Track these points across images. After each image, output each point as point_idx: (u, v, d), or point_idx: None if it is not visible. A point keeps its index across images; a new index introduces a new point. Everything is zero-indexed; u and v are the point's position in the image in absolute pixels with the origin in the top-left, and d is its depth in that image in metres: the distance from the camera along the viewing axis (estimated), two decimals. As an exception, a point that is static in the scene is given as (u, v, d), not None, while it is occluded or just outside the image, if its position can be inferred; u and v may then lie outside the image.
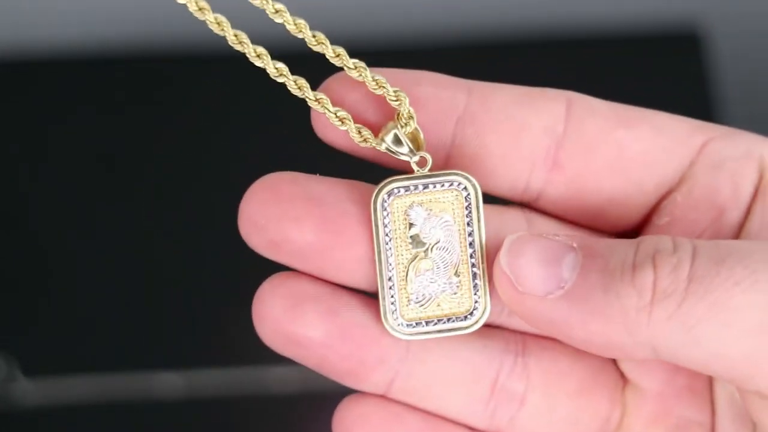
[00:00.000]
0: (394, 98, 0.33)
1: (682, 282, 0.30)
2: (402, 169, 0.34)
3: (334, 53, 0.33)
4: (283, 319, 0.33)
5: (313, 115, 0.33)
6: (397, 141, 0.33)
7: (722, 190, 0.33)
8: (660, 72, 0.76)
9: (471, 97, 0.33)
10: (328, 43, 0.33)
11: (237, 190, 0.74)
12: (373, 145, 0.33)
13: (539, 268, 0.31)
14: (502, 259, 0.32)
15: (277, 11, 0.32)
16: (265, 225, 0.33)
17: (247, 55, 0.33)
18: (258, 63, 0.33)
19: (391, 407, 0.34)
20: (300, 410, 0.65)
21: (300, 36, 0.33)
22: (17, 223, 0.70)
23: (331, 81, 0.34)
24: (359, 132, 0.33)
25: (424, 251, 0.33)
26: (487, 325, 0.34)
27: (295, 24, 0.33)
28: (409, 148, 0.33)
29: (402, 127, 0.33)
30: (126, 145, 0.73)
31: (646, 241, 0.31)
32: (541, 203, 0.35)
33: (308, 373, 0.66)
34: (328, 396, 0.66)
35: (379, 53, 0.76)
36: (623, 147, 0.34)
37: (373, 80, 0.33)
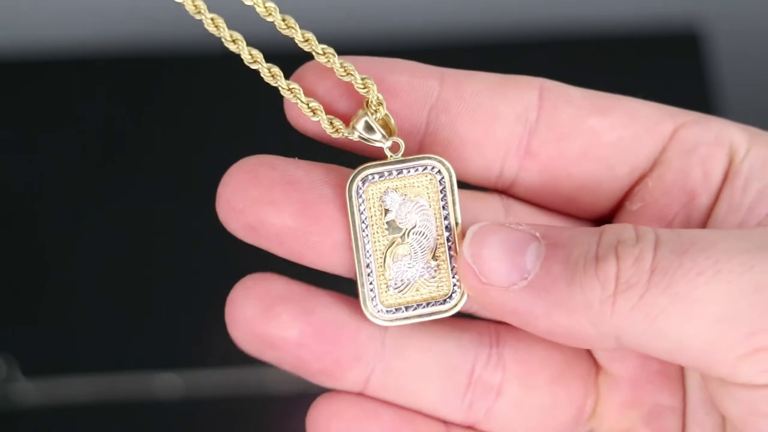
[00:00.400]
0: (362, 86, 0.33)
1: (644, 273, 0.30)
2: (377, 157, 0.33)
3: (303, 38, 0.33)
4: (257, 321, 0.33)
5: (285, 104, 0.33)
6: (369, 128, 0.33)
7: (693, 174, 0.33)
8: (660, 72, 0.76)
9: (444, 84, 0.33)
10: (297, 27, 0.33)
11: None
12: (345, 134, 0.33)
13: (502, 259, 0.31)
14: (465, 250, 0.32)
15: None
16: (242, 209, 0.33)
17: (223, 40, 0.32)
18: (232, 48, 0.33)
19: (365, 403, 0.34)
20: (299, 410, 0.65)
21: (270, 20, 0.33)
22: (17, 223, 0.70)
23: (304, 69, 0.34)
24: (331, 123, 0.33)
25: (401, 236, 0.33)
26: (461, 315, 0.34)
27: (266, 7, 0.33)
28: (381, 134, 0.33)
29: (372, 113, 0.33)
30: (126, 145, 0.73)
31: (609, 231, 0.31)
32: (515, 190, 0.35)
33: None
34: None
35: (378, 53, 0.76)
36: (596, 134, 0.34)
37: (342, 67, 0.33)
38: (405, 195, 0.33)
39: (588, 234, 0.31)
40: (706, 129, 0.34)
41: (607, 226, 0.31)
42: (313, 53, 0.33)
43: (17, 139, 0.73)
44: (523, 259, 0.31)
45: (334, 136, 0.33)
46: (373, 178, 0.33)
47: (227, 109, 0.72)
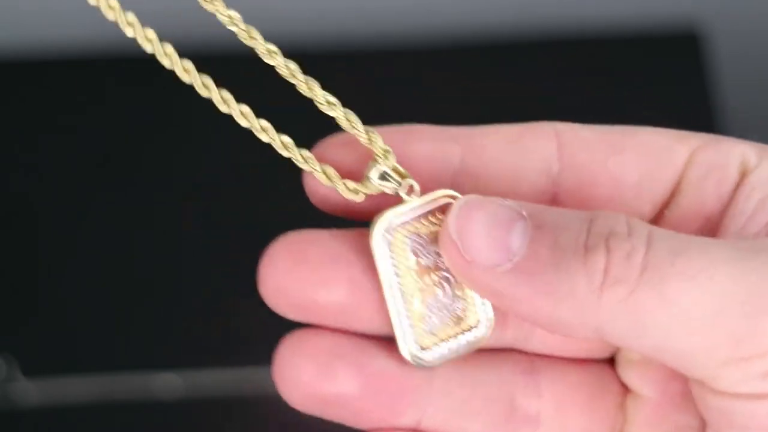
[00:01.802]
0: (366, 138, 0.32)
1: (635, 269, 0.29)
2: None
3: (267, 50, 0.33)
4: (313, 381, 0.33)
5: (304, 177, 0.33)
6: (383, 177, 0.32)
7: (708, 200, 0.33)
8: (660, 72, 0.76)
9: (462, 147, 0.33)
10: (260, 38, 0.32)
11: (237, 191, 0.74)
12: (361, 190, 0.32)
13: (487, 236, 0.30)
14: (450, 224, 0.31)
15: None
16: (291, 290, 0.32)
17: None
18: (227, 110, 0.33)
19: None
20: (299, 410, 0.65)
21: (234, 29, 0.32)
22: (17, 223, 0.70)
23: (324, 144, 0.33)
24: (344, 185, 0.32)
25: (429, 276, 0.33)
26: (496, 350, 0.34)
27: (229, 16, 0.32)
28: (396, 179, 0.32)
29: (382, 163, 0.32)
30: (126, 145, 0.73)
31: (600, 219, 0.30)
32: None
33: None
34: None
35: (378, 53, 0.76)
36: (617, 178, 0.33)
37: (346, 119, 0.32)
38: (427, 234, 0.33)
39: (578, 219, 0.30)
40: (717, 151, 0.34)
41: (598, 213, 0.31)
42: (295, 81, 0.33)
43: (17, 139, 0.73)
44: (509, 238, 0.30)
45: (349, 196, 0.32)
46: (395, 223, 0.32)
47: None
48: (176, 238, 0.70)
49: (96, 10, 0.31)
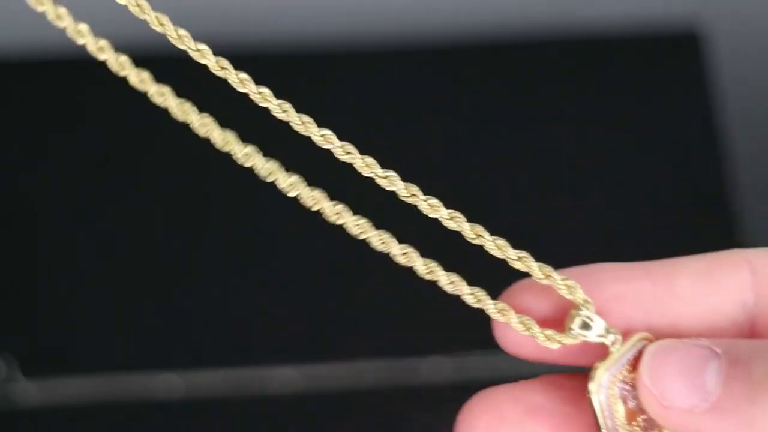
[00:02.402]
0: (565, 288, 0.32)
1: None
2: (577, 365, 0.33)
3: (218, 66, 0.32)
4: None
5: (494, 324, 0.33)
6: (586, 326, 0.32)
7: None
8: (660, 72, 0.76)
9: (654, 284, 0.33)
10: (210, 54, 0.32)
11: (237, 191, 0.74)
12: (561, 340, 0.32)
13: (682, 380, 0.30)
14: (644, 374, 0.31)
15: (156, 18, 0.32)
16: None
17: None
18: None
19: None
20: (300, 410, 0.65)
21: (182, 47, 0.32)
22: (17, 223, 0.70)
23: (513, 290, 0.33)
24: (543, 333, 0.32)
25: (636, 420, 0.33)
26: None
27: (178, 34, 0.32)
28: (603, 328, 0.32)
29: (582, 313, 0.32)
30: (126, 144, 0.73)
31: None
32: None
33: (308, 373, 0.66)
34: (328, 396, 0.66)
35: (379, 53, 0.76)
36: None
37: (540, 270, 0.32)
38: (630, 379, 0.33)
39: None
40: None
41: None
42: (271, 110, 0.32)
43: (17, 139, 0.73)
44: (704, 380, 0.30)
45: (547, 344, 0.32)
46: (610, 377, 0.32)
47: (229, 109, 0.72)
48: (176, 237, 0.70)
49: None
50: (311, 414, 0.66)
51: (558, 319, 0.33)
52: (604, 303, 0.33)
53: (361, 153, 0.32)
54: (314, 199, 0.32)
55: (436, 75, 0.76)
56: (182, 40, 0.30)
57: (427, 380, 0.66)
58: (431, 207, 0.32)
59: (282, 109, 0.31)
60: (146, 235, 0.70)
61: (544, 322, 0.32)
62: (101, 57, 0.31)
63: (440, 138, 0.73)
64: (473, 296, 0.32)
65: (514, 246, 0.32)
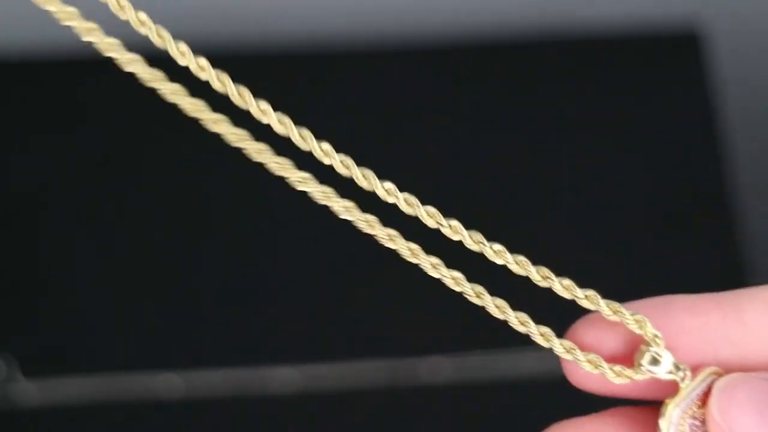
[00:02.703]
0: (634, 323, 0.32)
1: None
2: (644, 399, 0.33)
3: (220, 80, 0.32)
4: None
5: (562, 362, 0.32)
6: (655, 361, 0.32)
7: None
8: (660, 72, 0.76)
9: (723, 316, 0.33)
10: (209, 66, 0.32)
11: (237, 191, 0.74)
12: (631, 376, 0.32)
13: (751, 415, 0.30)
14: (713, 409, 0.31)
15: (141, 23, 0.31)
16: None
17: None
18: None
19: None
20: (300, 410, 0.65)
21: (163, 47, 0.32)
22: (17, 223, 0.70)
23: (578, 326, 0.33)
24: (612, 369, 0.32)
25: None
26: None
27: (159, 35, 0.32)
28: (673, 363, 0.33)
29: (652, 348, 0.32)
30: (126, 144, 0.73)
31: None
32: None
33: (308, 373, 0.66)
34: (328, 396, 0.66)
35: (378, 53, 0.76)
36: None
37: (608, 308, 0.32)
38: (700, 415, 0.33)
39: None
40: None
41: None
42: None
43: (17, 139, 0.73)
44: None
45: (617, 381, 0.32)
46: (681, 413, 0.32)
47: (230, 109, 0.72)
48: (176, 237, 0.70)
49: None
50: (311, 414, 0.66)
51: (626, 352, 0.33)
52: (674, 336, 0.32)
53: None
54: (367, 222, 0.32)
55: (436, 75, 0.76)
56: (165, 42, 0.30)
57: (427, 380, 0.66)
58: (496, 253, 0.32)
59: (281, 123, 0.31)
60: (146, 235, 0.70)
61: (612, 356, 0.32)
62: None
63: (440, 138, 0.73)
64: (543, 337, 0.32)
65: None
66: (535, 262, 0.32)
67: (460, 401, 0.66)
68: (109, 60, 0.31)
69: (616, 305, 0.32)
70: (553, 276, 0.32)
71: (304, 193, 0.32)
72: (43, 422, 0.65)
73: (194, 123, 0.78)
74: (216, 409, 0.65)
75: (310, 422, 0.66)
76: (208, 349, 0.67)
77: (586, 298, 0.32)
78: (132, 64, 0.30)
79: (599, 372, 0.32)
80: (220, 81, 0.30)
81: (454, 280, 0.32)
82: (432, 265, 0.32)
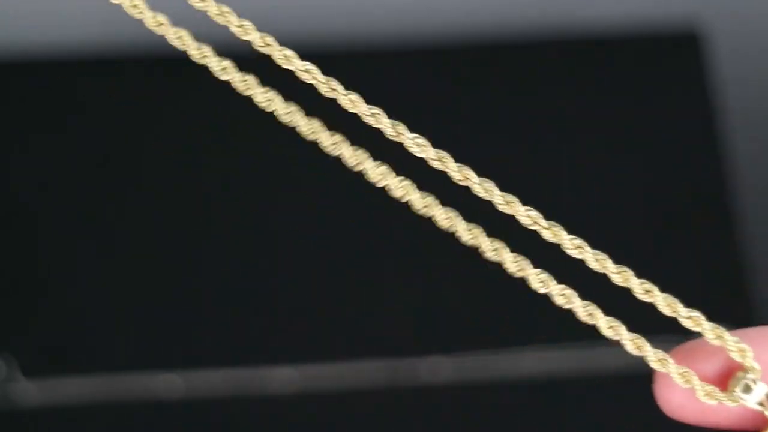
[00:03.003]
0: (737, 351, 0.32)
1: None
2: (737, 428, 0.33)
3: (329, 85, 0.32)
4: None
5: (655, 376, 0.32)
6: (747, 388, 0.32)
7: None
8: (660, 72, 0.76)
9: None
10: (276, 44, 0.31)
11: (237, 191, 0.74)
12: (722, 400, 0.32)
13: None
14: None
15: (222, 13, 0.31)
16: None
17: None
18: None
19: None
20: (300, 410, 0.65)
21: (247, 38, 0.32)
22: (17, 223, 0.70)
23: (682, 350, 0.33)
24: (703, 388, 0.32)
25: None
26: None
27: (242, 26, 0.32)
28: (766, 395, 0.32)
29: (750, 375, 0.32)
30: (126, 145, 0.73)
31: None
32: None
33: (308, 373, 0.66)
34: (328, 396, 0.66)
35: (378, 53, 0.76)
36: None
37: (712, 332, 0.32)
38: None
39: None
40: None
41: None
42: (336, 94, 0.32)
43: (17, 139, 0.73)
44: None
45: (707, 400, 0.32)
46: None
47: (230, 109, 0.72)
48: (176, 237, 0.70)
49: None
50: (311, 414, 0.66)
51: (718, 378, 0.32)
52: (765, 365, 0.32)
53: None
54: (426, 203, 0.31)
55: (436, 75, 0.76)
56: (224, 16, 0.30)
57: (427, 380, 0.66)
58: (595, 257, 0.32)
59: (371, 113, 0.31)
60: (146, 235, 0.70)
61: (703, 378, 0.32)
62: (203, 62, 0.30)
63: (440, 138, 0.73)
64: (632, 343, 0.31)
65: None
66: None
67: (460, 401, 0.66)
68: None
69: (720, 330, 0.31)
70: (656, 289, 0.32)
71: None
72: (43, 422, 0.65)
73: (194, 123, 0.79)
74: (216, 409, 0.65)
75: (310, 422, 0.66)
76: (208, 349, 0.67)
77: (690, 318, 0.31)
78: (226, 71, 0.30)
79: (690, 387, 0.31)
80: (305, 69, 0.30)
81: (564, 296, 0.32)
82: (540, 281, 0.32)
